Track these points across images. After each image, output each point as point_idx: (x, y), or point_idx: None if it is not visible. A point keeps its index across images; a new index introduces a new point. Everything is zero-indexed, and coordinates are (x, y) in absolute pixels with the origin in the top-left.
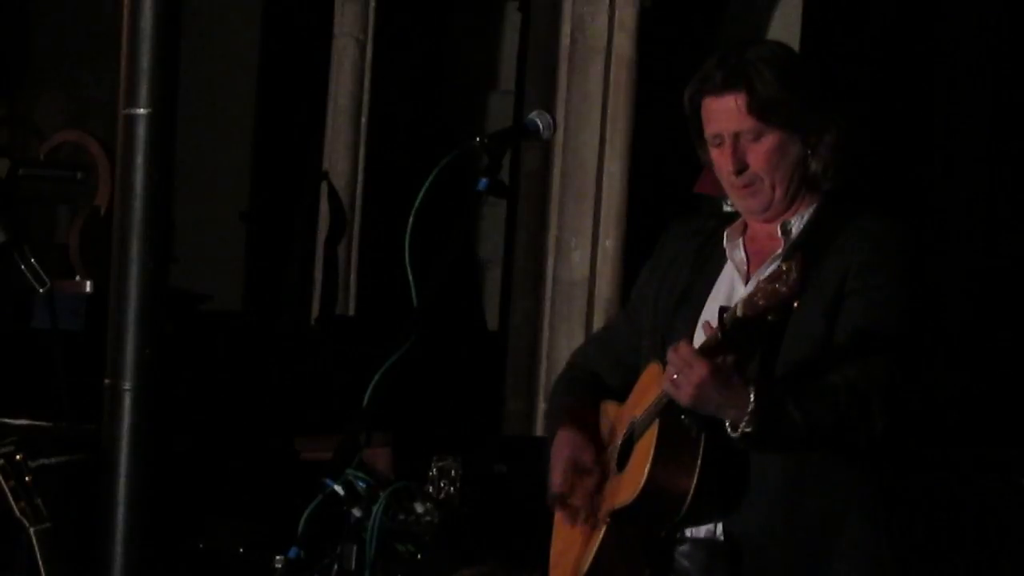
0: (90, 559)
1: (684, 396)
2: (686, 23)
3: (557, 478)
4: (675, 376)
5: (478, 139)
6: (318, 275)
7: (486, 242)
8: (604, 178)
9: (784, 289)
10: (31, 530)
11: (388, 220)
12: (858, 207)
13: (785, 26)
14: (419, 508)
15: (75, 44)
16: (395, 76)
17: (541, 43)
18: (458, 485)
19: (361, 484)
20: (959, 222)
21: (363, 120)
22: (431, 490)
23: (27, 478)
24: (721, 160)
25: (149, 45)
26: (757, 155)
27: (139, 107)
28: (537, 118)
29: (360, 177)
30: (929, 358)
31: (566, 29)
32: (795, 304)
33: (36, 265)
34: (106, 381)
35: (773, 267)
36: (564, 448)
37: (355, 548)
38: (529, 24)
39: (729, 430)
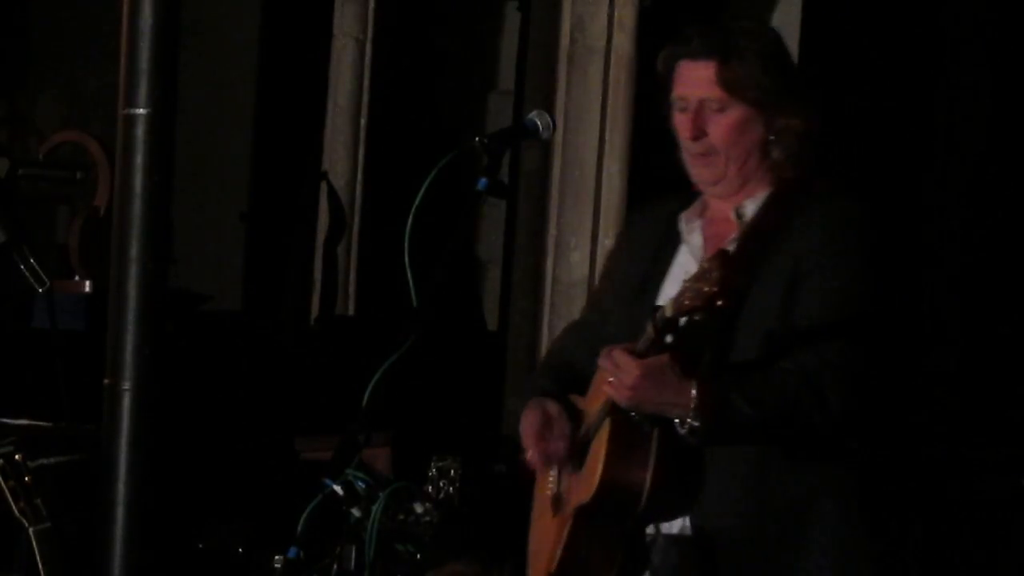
0: (90, 559)
1: (621, 399)
2: (686, 23)
3: (530, 440)
4: (610, 380)
5: (478, 139)
6: (318, 275)
7: (486, 242)
8: (604, 178)
9: (707, 288)
10: (31, 530)
11: (388, 220)
12: (815, 190)
13: (785, 26)
14: (418, 508)
15: (75, 44)
16: (395, 76)
17: (541, 43)
18: (458, 485)
19: (361, 484)
20: (960, 221)
21: (363, 120)
22: (430, 490)
23: (27, 478)
24: (681, 125)
25: (149, 45)
26: (718, 127)
27: (139, 107)
28: (537, 118)
29: (360, 177)
30: (894, 338)
31: (566, 29)
32: (719, 303)
33: (36, 265)
34: (106, 381)
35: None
36: (532, 416)
37: (354, 548)
38: (529, 24)
39: (678, 427)
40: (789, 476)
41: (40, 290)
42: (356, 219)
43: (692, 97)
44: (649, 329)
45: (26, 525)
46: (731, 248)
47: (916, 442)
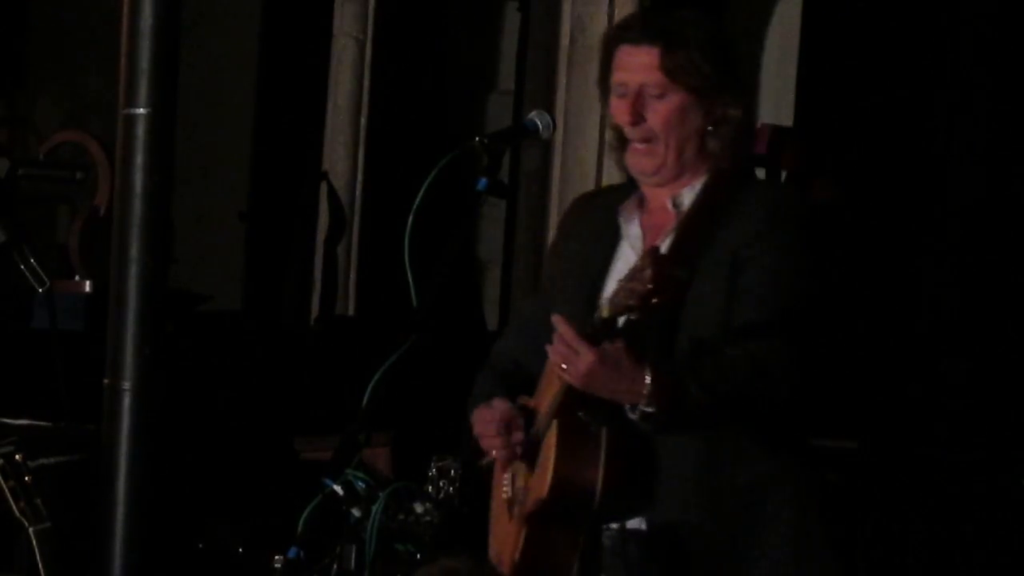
0: (90, 559)
1: (575, 382)
2: None
3: (488, 440)
4: (564, 366)
5: (478, 139)
6: (318, 275)
7: (486, 242)
8: (604, 178)
9: (640, 287)
10: (31, 530)
11: (388, 220)
12: (750, 179)
13: (785, 26)
14: (419, 508)
15: (75, 44)
16: (395, 76)
17: (541, 43)
18: (458, 485)
19: (361, 484)
20: (961, 220)
21: (363, 120)
22: (431, 490)
23: (27, 478)
24: (620, 110)
25: (149, 45)
26: (657, 113)
27: (139, 107)
28: (537, 118)
29: (360, 177)
30: (832, 325)
31: (566, 29)
32: (655, 300)
33: (36, 265)
34: (106, 381)
35: (634, 263)
36: (487, 415)
37: (355, 548)
38: (529, 24)
39: (629, 413)
40: (740, 468)
41: (40, 290)
42: (356, 219)
43: (632, 82)
44: (588, 331)
45: (26, 525)
46: (664, 243)
47: (916, 442)
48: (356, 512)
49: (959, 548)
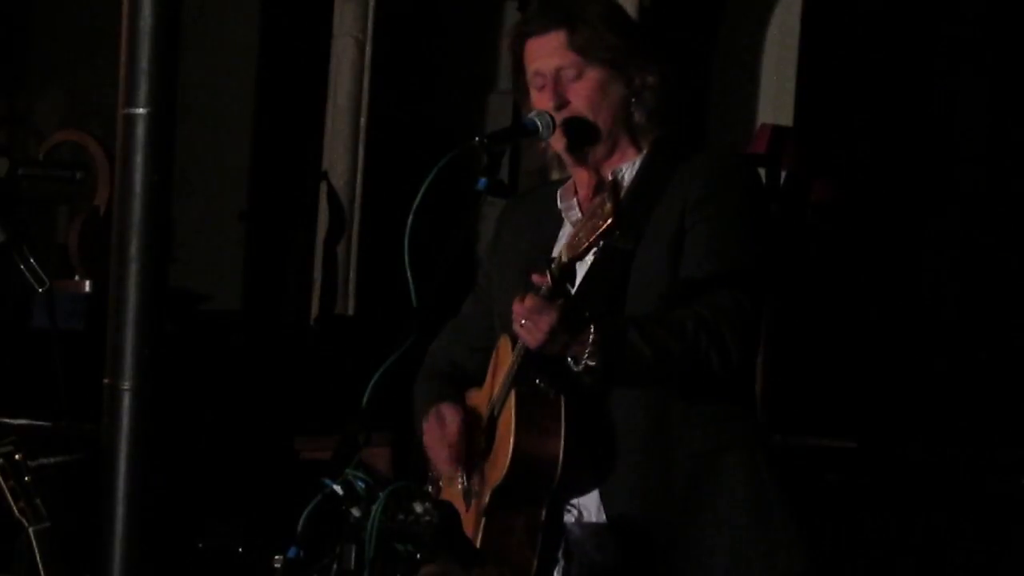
0: (90, 559)
1: (534, 341)
2: (686, 23)
3: (439, 463)
4: (523, 323)
5: (478, 139)
6: (318, 275)
7: (486, 242)
8: None
9: (602, 222)
10: (31, 530)
11: (388, 220)
12: (688, 150)
13: (784, 26)
14: (418, 508)
15: (75, 44)
16: (395, 76)
17: None
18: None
19: (360, 484)
20: (960, 222)
21: (363, 120)
22: (431, 490)
23: (27, 478)
24: (543, 101)
25: (149, 45)
26: (578, 93)
27: (139, 107)
28: (537, 118)
29: (360, 177)
30: (775, 287)
31: None
32: (617, 232)
33: (36, 265)
34: (105, 381)
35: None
36: (437, 433)
37: (354, 548)
38: None
39: (573, 366)
40: (690, 433)
41: (40, 290)
42: (356, 219)
43: (547, 68)
44: (547, 279)
45: (26, 525)
46: (621, 179)
47: (916, 442)
48: (356, 512)
49: (959, 548)
